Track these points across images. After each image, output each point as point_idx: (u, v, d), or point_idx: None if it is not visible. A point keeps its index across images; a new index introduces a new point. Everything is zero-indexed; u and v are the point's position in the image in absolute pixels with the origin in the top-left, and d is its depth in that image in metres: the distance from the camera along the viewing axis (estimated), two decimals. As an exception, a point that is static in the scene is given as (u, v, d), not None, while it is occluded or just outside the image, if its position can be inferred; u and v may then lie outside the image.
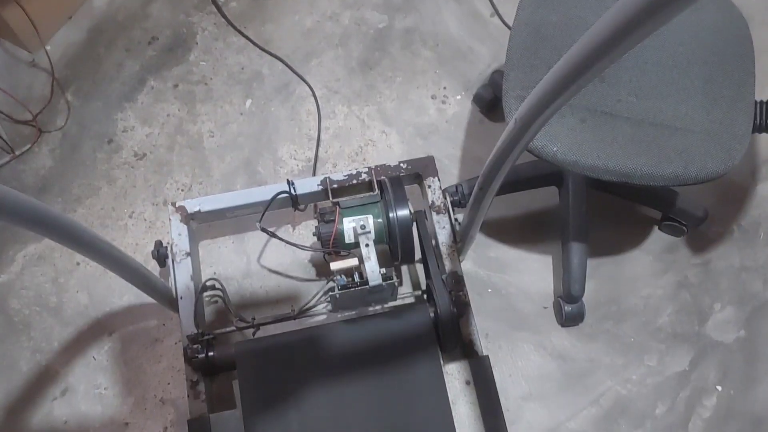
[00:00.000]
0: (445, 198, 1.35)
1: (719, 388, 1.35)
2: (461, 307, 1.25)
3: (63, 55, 1.69)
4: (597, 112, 1.08)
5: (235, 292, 1.42)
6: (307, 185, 1.33)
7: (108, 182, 1.54)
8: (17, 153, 1.56)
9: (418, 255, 1.28)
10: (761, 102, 1.11)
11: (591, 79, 0.65)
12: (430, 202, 1.35)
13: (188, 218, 1.33)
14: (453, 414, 1.17)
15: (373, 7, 1.76)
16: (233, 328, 1.26)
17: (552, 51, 1.13)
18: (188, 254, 1.30)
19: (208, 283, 1.30)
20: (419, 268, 1.43)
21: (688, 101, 1.09)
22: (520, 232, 1.50)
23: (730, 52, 1.14)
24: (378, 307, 1.33)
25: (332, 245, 1.23)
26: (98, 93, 1.65)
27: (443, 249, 1.32)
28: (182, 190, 1.53)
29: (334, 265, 1.20)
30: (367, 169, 1.35)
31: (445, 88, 1.66)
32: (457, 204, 1.36)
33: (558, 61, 0.66)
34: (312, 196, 1.34)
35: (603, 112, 1.08)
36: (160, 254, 1.30)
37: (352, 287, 1.18)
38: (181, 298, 1.26)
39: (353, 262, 1.20)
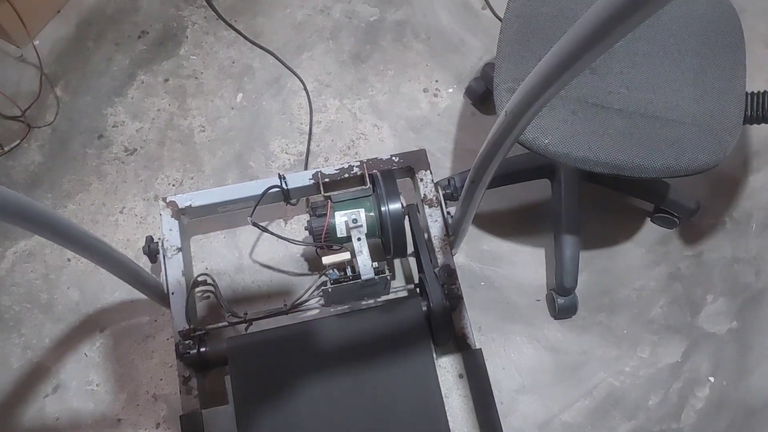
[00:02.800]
0: (438, 191, 1.35)
1: (712, 379, 1.35)
2: (454, 300, 1.25)
3: (52, 49, 1.68)
4: (588, 103, 1.08)
5: (227, 287, 1.42)
6: (299, 179, 1.33)
7: (98, 178, 1.53)
8: (6, 149, 1.55)
9: (410, 248, 1.28)
10: (752, 93, 1.11)
11: (581, 71, 0.65)
12: (423, 196, 1.35)
13: (179, 213, 1.32)
14: (446, 407, 1.17)
15: (364, -1, 1.76)
16: (225, 323, 1.25)
17: (543, 43, 1.12)
18: (179, 249, 1.29)
19: (199, 279, 1.30)
20: (412, 261, 1.42)
21: (679, 93, 1.09)
22: (512, 224, 1.50)
23: (721, 43, 1.13)
24: (371, 301, 1.33)
25: (324, 239, 1.23)
26: (88, 88, 1.64)
27: (436, 242, 1.32)
28: (173, 185, 1.52)
29: (327, 260, 1.20)
30: (358, 163, 1.34)
31: (436, 81, 1.65)
32: (450, 197, 1.35)
33: (548, 52, 0.66)
34: (304, 191, 1.34)
35: (594, 104, 1.08)
36: (151, 250, 1.30)
37: (344, 281, 1.18)
38: (173, 293, 1.26)
39: (345, 256, 1.20)
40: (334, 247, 1.24)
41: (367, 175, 1.30)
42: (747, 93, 1.10)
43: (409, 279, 1.43)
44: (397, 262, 1.45)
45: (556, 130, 1.05)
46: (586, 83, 1.10)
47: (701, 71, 1.11)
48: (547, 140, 1.04)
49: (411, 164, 1.36)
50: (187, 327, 1.21)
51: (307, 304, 1.27)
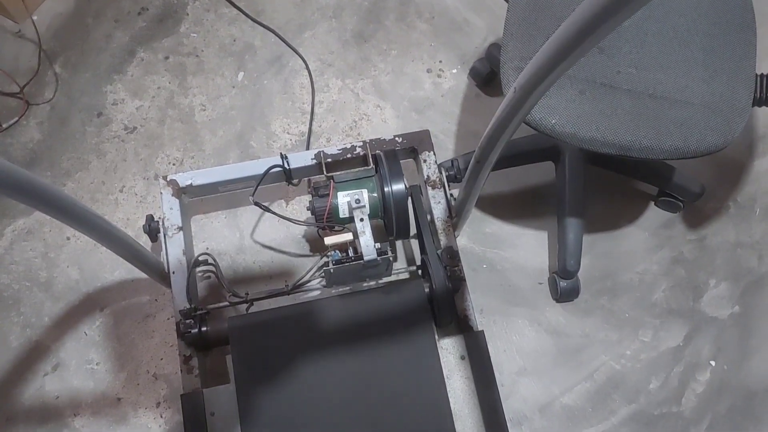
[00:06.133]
0: (441, 173, 1.33)
1: (713, 363, 1.35)
2: (456, 282, 1.24)
3: (50, 25, 1.65)
4: (596, 83, 1.06)
5: (228, 267, 1.41)
6: (301, 159, 1.31)
7: (98, 156, 1.52)
8: (4, 126, 1.53)
9: (413, 230, 1.27)
10: (762, 75, 1.09)
11: (592, 46, 0.63)
12: (426, 177, 1.34)
13: (180, 192, 1.31)
14: (448, 389, 1.17)
15: (367, -22, 1.73)
16: (226, 303, 1.25)
17: (551, 21, 1.11)
18: (180, 228, 1.28)
19: (200, 258, 1.29)
20: (414, 243, 1.41)
21: (689, 73, 1.07)
22: (515, 207, 1.49)
23: (732, 24, 1.12)
24: (372, 283, 1.32)
25: (326, 220, 1.22)
26: (87, 65, 1.62)
27: (438, 224, 1.31)
28: (174, 165, 1.51)
29: (329, 240, 1.19)
30: (361, 143, 1.33)
31: (440, 61, 1.63)
32: (453, 179, 1.34)
33: (558, 28, 0.65)
34: (306, 171, 1.33)
35: (602, 83, 1.06)
36: (152, 228, 1.29)
37: (346, 262, 1.17)
38: (174, 272, 1.25)
39: (348, 236, 1.19)
40: (336, 227, 1.23)
41: (370, 156, 1.29)
42: (757, 75, 1.09)
43: (410, 261, 1.42)
44: (399, 243, 1.44)
45: (564, 110, 1.04)
46: (594, 63, 1.08)
47: (711, 52, 1.09)
48: (555, 120, 1.02)
49: (414, 145, 1.35)
50: (188, 306, 1.20)
51: (308, 284, 1.26)
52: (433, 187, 1.33)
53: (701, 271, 1.43)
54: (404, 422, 1.14)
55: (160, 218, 1.30)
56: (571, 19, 0.62)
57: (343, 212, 1.22)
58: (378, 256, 1.16)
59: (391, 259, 1.18)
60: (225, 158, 1.52)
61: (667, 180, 1.41)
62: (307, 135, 1.54)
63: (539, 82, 0.73)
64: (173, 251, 1.27)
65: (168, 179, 1.31)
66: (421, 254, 1.28)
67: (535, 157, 1.44)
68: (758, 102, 1.09)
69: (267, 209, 1.23)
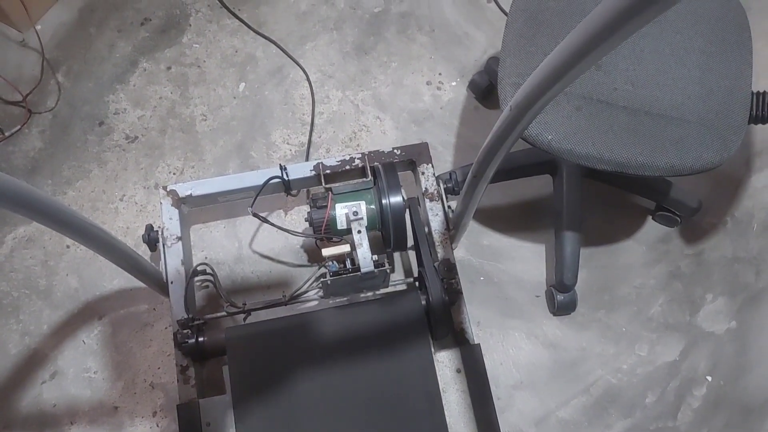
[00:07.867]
0: (439, 185, 1.34)
1: (709, 378, 1.35)
2: (453, 294, 1.25)
3: (53, 35, 1.67)
4: (593, 100, 1.07)
5: (226, 277, 1.41)
6: (300, 170, 1.32)
7: (99, 165, 1.53)
8: (7, 134, 1.54)
9: (410, 242, 1.27)
10: (758, 93, 1.10)
11: (588, 67, 0.64)
12: (424, 189, 1.34)
13: (180, 202, 1.32)
14: (443, 402, 1.17)
15: (369, -10, 1.74)
16: (224, 313, 1.25)
17: (549, 38, 1.12)
18: (179, 238, 1.29)
19: (199, 268, 1.29)
20: (411, 255, 1.42)
21: (685, 91, 1.08)
22: (513, 220, 1.49)
23: (728, 42, 1.13)
24: (369, 294, 1.33)
25: (324, 231, 1.23)
26: (89, 74, 1.63)
27: (436, 236, 1.32)
28: (174, 174, 1.52)
29: (326, 251, 1.19)
30: (360, 155, 1.34)
31: (440, 74, 1.64)
32: (451, 191, 1.35)
33: (555, 48, 0.65)
34: (305, 182, 1.33)
35: (599, 100, 1.07)
36: (151, 238, 1.29)
37: (343, 274, 1.18)
38: (172, 282, 1.25)
39: (345, 248, 1.20)
40: (334, 239, 1.23)
41: (368, 168, 1.29)
42: (753, 92, 1.10)
43: (408, 272, 1.43)
44: (396, 255, 1.44)
45: (560, 126, 1.04)
46: (591, 79, 1.09)
47: (707, 69, 1.10)
48: (551, 136, 1.03)
49: (413, 157, 1.36)
50: (186, 316, 1.21)
51: (305, 295, 1.27)
52: (431, 200, 1.34)
53: (698, 286, 1.43)
54: (400, 435, 1.15)
55: (159, 228, 1.31)
56: (568, 41, 0.63)
57: (341, 224, 1.23)
58: (375, 268, 1.16)
59: (388, 271, 1.19)
60: (225, 168, 1.53)
61: (664, 195, 1.42)
62: (306, 145, 1.55)
63: (535, 101, 0.73)
64: (172, 261, 1.27)
65: (168, 189, 1.32)
66: (419, 266, 1.28)
67: (532, 170, 1.45)
68: (754, 120, 1.10)
69: (265, 220, 1.24)
